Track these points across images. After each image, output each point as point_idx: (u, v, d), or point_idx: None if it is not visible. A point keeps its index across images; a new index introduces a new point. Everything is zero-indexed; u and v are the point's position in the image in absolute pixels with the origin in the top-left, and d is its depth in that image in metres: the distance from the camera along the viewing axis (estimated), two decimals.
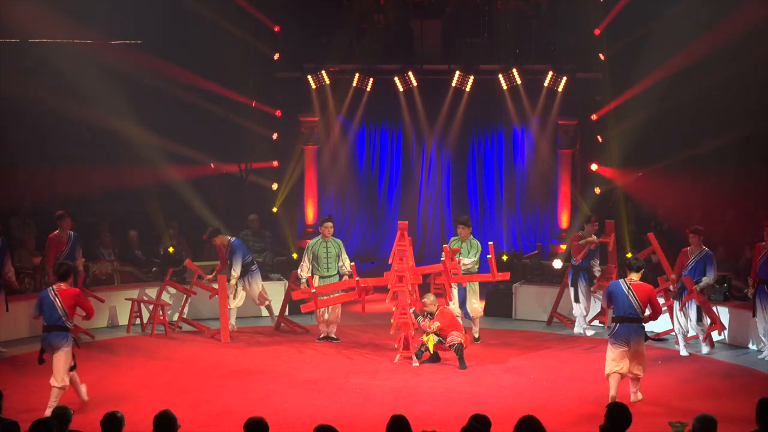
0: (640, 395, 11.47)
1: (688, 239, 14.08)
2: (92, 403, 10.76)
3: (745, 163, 19.59)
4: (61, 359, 10.78)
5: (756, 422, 7.00)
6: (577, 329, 15.33)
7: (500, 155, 21.48)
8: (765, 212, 17.47)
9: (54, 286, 11.10)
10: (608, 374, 11.40)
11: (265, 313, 16.06)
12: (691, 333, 14.11)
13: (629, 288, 11.43)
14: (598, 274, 15.20)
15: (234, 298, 15.29)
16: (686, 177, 19.95)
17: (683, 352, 13.89)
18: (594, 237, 15.17)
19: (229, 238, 15.38)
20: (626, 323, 11.36)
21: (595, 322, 15.59)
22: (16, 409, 9.90)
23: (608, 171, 19.73)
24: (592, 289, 15.22)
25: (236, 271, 15.13)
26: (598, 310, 15.49)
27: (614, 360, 11.33)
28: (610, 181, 19.65)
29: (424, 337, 13.10)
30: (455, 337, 12.93)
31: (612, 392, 11.27)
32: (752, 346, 14.15)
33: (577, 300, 15.22)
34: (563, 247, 18.68)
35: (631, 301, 11.39)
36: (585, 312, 15.31)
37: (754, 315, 13.69)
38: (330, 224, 14.60)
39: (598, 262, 15.29)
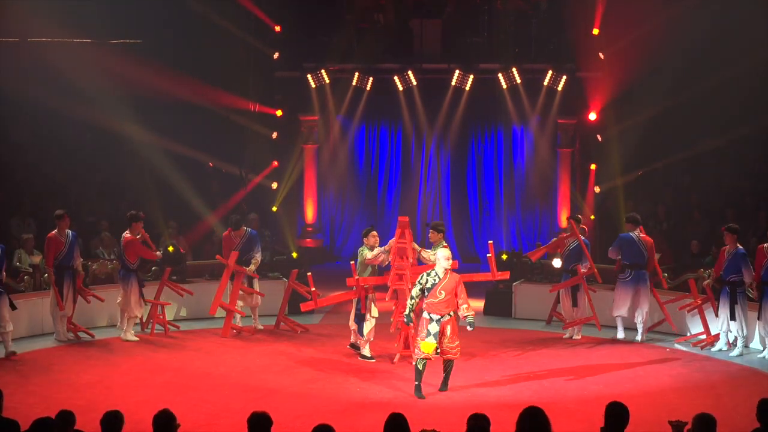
0: (640, 337, 14.37)
1: (724, 238, 14.02)
2: (92, 402, 10.76)
3: (745, 162, 19.62)
4: (121, 294, 14.26)
5: (757, 422, 6.99)
6: (569, 334, 15.11)
7: (500, 154, 21.51)
8: (764, 212, 17.47)
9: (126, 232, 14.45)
10: (616, 316, 14.47)
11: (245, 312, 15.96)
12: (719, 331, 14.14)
13: (639, 239, 14.29)
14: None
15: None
16: (686, 176, 19.97)
17: (734, 353, 13.77)
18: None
19: (246, 228, 15.56)
20: (636, 270, 14.25)
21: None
22: (16, 408, 9.90)
23: (608, 170, 19.74)
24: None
25: (259, 258, 15.42)
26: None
27: (620, 304, 14.32)
28: (610, 180, 19.66)
29: (423, 346, 11.42)
30: (452, 350, 11.59)
31: (620, 335, 14.53)
32: (755, 346, 14.15)
33: (575, 304, 15.06)
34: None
35: (641, 249, 14.28)
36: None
37: (759, 318, 13.66)
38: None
39: (586, 264, 14.77)
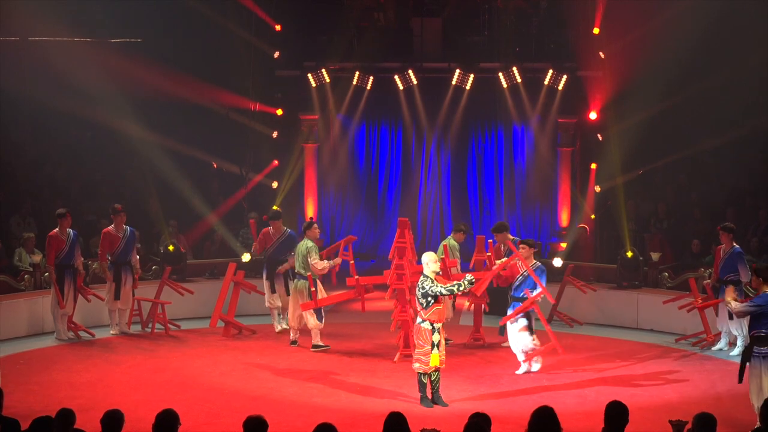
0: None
1: (720, 237, 14.00)
2: (92, 401, 10.76)
3: (745, 161, 19.62)
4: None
5: (759, 421, 7.01)
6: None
7: (500, 153, 21.49)
8: (765, 211, 17.48)
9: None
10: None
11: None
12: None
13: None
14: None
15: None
16: (686, 176, 19.98)
17: (734, 352, 13.74)
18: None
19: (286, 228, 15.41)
20: None
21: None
22: (16, 407, 9.91)
23: (608, 169, 19.72)
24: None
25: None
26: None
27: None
28: (610, 179, 19.65)
29: (432, 360, 10.90)
30: (443, 360, 11.07)
31: None
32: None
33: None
34: (563, 245, 18.68)
35: None
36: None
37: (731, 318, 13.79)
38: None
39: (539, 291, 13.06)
